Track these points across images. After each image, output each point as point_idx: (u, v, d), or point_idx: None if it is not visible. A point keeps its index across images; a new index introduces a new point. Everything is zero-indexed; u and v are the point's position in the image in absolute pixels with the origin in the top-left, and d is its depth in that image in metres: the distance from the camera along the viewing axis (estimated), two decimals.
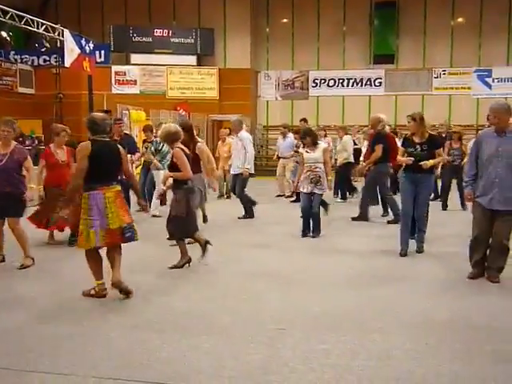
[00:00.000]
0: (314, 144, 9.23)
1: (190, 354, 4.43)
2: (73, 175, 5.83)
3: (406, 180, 7.87)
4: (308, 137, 9.27)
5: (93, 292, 5.98)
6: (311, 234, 9.33)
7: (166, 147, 10.62)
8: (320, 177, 9.14)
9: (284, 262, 7.63)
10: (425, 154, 7.64)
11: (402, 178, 7.99)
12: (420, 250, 7.98)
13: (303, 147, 9.49)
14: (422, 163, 7.54)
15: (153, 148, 11.30)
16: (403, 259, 7.66)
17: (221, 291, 6.20)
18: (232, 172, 11.02)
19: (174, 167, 7.18)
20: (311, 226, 9.37)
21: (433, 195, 12.85)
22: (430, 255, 7.87)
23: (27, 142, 15.55)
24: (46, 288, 6.34)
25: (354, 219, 10.70)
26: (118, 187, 5.98)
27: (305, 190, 9.27)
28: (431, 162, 7.60)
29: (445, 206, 12.35)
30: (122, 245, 6.13)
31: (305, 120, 15.83)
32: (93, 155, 5.73)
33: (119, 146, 6.23)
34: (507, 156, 6.18)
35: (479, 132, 7.07)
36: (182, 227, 7.24)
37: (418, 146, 7.70)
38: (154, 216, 10.75)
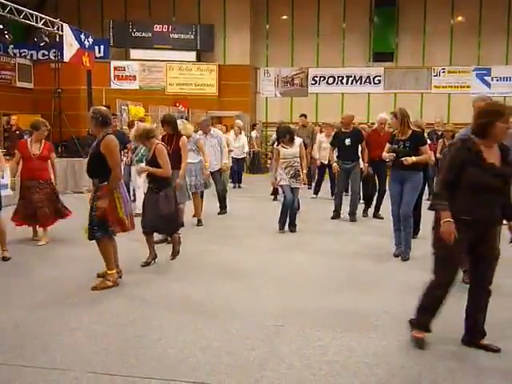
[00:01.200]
0: (291, 140, 9.44)
1: (187, 351, 4.43)
2: (115, 168, 6.01)
3: (392, 178, 7.75)
4: (288, 135, 9.45)
5: (110, 283, 6.10)
6: (288, 228, 9.55)
7: (142, 148, 10.43)
8: (298, 171, 9.41)
9: (280, 260, 7.63)
10: (407, 151, 7.45)
11: (390, 176, 7.87)
12: (404, 257, 7.55)
13: (278, 144, 9.63)
14: (403, 159, 7.38)
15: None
16: (399, 259, 7.64)
17: (216, 289, 6.20)
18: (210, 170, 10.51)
19: (155, 163, 7.12)
20: (288, 220, 9.59)
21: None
22: (423, 255, 7.83)
23: (25, 137, 15.48)
24: (40, 283, 6.34)
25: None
26: None
27: (288, 183, 9.43)
28: (413, 158, 7.37)
29: None
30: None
31: (305, 116, 15.81)
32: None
33: None
34: None
35: (457, 134, 6.76)
36: (174, 222, 7.40)
37: (401, 143, 7.55)
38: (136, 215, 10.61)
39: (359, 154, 10.85)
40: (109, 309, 5.48)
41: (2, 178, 8.09)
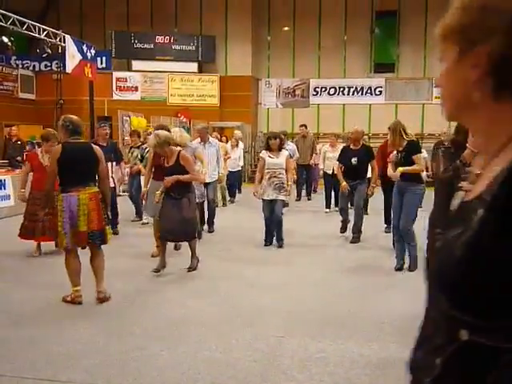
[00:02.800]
0: (279, 149, 9.03)
1: (188, 362, 4.42)
2: (46, 179, 5.97)
3: (394, 190, 7.61)
4: (278, 138, 9.03)
5: (69, 298, 5.93)
6: (276, 243, 9.13)
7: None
8: (283, 183, 8.92)
9: (281, 272, 7.63)
10: (403, 162, 7.34)
11: (393, 189, 7.69)
12: (412, 268, 7.43)
13: (266, 148, 9.14)
14: (389, 174, 7.38)
15: (139, 154, 10.98)
16: (400, 271, 7.61)
17: (218, 300, 6.20)
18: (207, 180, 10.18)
19: (179, 170, 7.03)
20: (275, 234, 9.19)
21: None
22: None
23: (27, 148, 15.52)
24: (42, 294, 6.33)
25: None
26: (95, 188, 5.93)
27: (268, 198, 8.96)
28: (400, 169, 7.27)
29: None
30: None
31: (305, 126, 15.77)
32: (64, 158, 5.76)
33: (94, 147, 6.18)
34: None
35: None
36: (195, 228, 7.51)
37: (398, 155, 7.47)
38: (143, 224, 10.69)
39: (368, 173, 10.06)
40: (110, 320, 5.47)
41: None
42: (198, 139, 10.41)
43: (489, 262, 1.10)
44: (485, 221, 1.11)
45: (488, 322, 1.12)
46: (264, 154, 9.14)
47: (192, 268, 7.34)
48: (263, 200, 9.06)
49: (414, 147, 7.53)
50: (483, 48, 1.11)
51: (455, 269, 1.16)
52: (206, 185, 9.92)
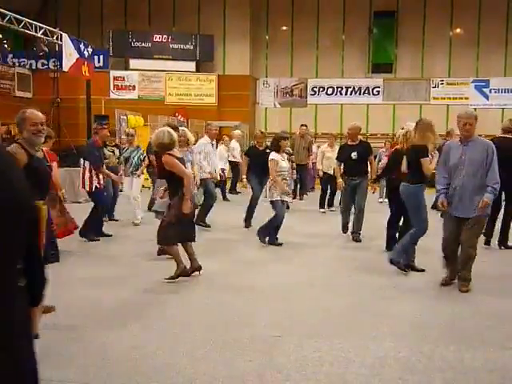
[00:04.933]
0: (287, 153, 9.34)
1: (185, 361, 4.40)
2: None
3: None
4: (287, 140, 9.39)
5: None
6: (272, 241, 9.13)
7: (135, 157, 10.68)
8: (289, 185, 9.23)
9: (277, 271, 7.62)
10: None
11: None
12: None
13: (275, 150, 9.04)
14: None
15: (122, 156, 10.75)
16: (396, 269, 7.60)
17: (216, 300, 6.18)
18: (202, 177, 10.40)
19: (168, 175, 6.70)
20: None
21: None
22: (423, 264, 7.81)
23: None
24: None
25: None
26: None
27: (280, 198, 8.96)
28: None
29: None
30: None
31: (305, 126, 15.70)
32: None
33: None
34: (468, 164, 6.34)
35: (446, 143, 7.24)
36: (162, 234, 6.77)
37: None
38: (135, 224, 10.63)
39: (368, 169, 9.99)
40: (107, 319, 5.45)
41: None
42: (208, 139, 10.74)
43: None
44: None
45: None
46: (275, 155, 8.99)
47: (170, 278, 6.73)
48: (282, 201, 9.01)
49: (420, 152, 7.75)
50: None
51: None
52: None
